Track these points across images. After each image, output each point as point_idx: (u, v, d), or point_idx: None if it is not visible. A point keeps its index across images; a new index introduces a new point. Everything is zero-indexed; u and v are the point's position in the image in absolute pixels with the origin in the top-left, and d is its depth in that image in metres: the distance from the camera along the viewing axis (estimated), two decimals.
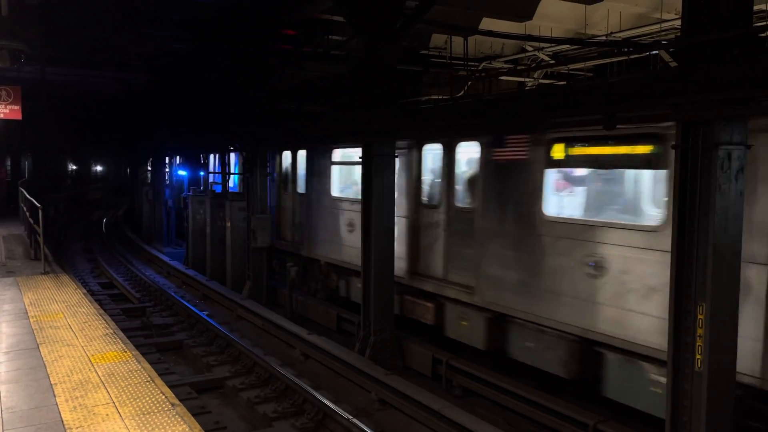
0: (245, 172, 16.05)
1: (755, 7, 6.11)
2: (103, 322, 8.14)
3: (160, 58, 17.32)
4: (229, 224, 16.49)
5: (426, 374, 10.06)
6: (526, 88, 15.27)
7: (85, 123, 35.66)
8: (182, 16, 13.15)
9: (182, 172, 26.34)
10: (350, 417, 7.83)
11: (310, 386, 8.90)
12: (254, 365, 10.24)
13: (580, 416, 7.60)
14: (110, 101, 28.02)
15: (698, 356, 5.62)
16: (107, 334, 7.55)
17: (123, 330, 8.44)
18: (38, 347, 6.95)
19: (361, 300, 10.63)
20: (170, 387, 6.06)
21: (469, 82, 14.96)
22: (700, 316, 5.62)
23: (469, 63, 14.32)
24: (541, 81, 15.36)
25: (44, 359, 6.53)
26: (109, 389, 5.67)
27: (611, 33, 11.96)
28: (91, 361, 6.49)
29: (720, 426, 5.71)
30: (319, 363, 10.45)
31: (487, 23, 12.60)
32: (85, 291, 10.34)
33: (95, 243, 25.71)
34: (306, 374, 9.74)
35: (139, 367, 6.30)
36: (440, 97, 13.83)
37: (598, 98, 6.68)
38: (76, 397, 5.48)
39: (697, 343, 5.62)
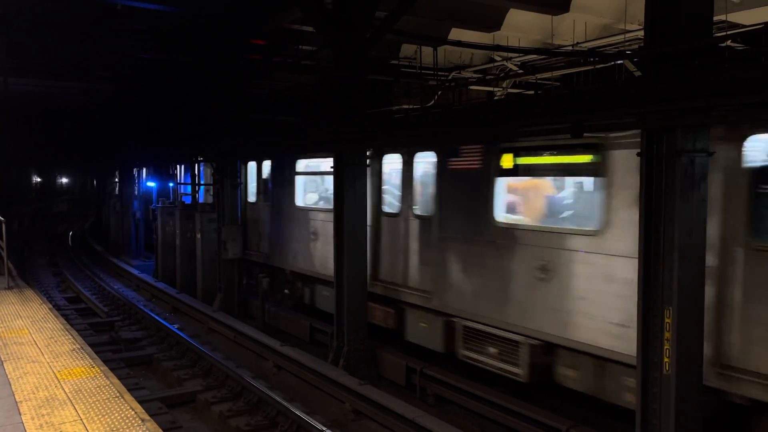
0: (215, 183, 15.91)
1: (714, 18, 6.30)
2: (70, 337, 7.96)
3: (126, 69, 17.08)
4: (199, 236, 16.29)
5: (400, 383, 10.05)
6: (495, 97, 15.44)
7: (50, 134, 34.91)
8: (148, 26, 12.99)
9: (151, 184, 25.96)
10: (324, 429, 7.78)
11: (284, 398, 8.82)
12: (226, 378, 10.11)
13: (554, 422, 7.67)
14: (76, 112, 27.48)
15: (666, 359, 5.73)
16: (74, 349, 7.38)
17: (90, 345, 8.26)
18: (2, 364, 6.76)
19: (334, 310, 10.59)
20: (140, 402, 5.95)
21: (440, 92, 15.07)
22: (667, 320, 5.73)
23: (439, 73, 14.43)
24: (510, 90, 15.55)
25: (9, 376, 6.36)
26: (76, 406, 5.54)
27: (577, 43, 12.18)
28: (57, 377, 6.33)
29: (689, 427, 5.82)
30: (292, 375, 10.37)
31: (456, 33, 12.74)
32: (50, 306, 10.11)
33: (61, 257, 25.17)
34: (279, 386, 9.66)
35: (108, 383, 6.17)
36: (411, 106, 13.91)
37: (566, 108, 6.80)
38: (43, 415, 5.34)
39: (665, 347, 5.73)
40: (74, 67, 16.30)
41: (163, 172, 25.28)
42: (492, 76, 14.57)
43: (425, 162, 10.22)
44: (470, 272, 9.03)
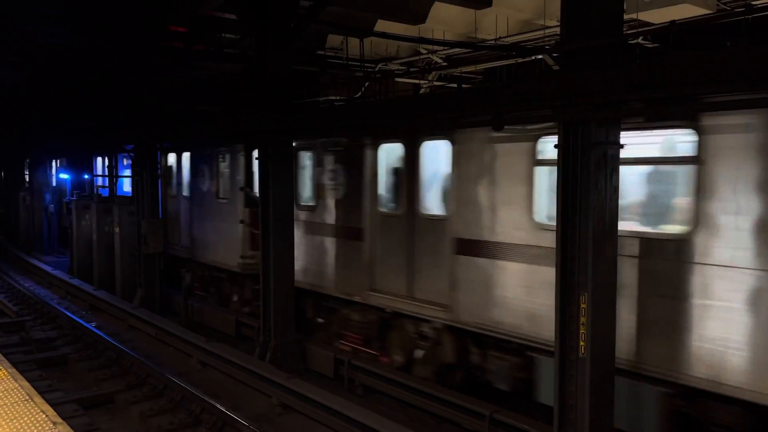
0: (134, 175, 15.31)
1: (626, 16, 6.59)
2: None
3: (36, 55, 16.10)
4: (117, 230, 15.65)
5: (328, 375, 10.04)
6: (421, 89, 15.59)
7: None
8: (57, 10, 12.23)
9: (64, 176, 24.67)
10: (250, 423, 7.67)
11: (208, 395, 8.63)
12: (147, 377, 9.80)
13: (477, 407, 7.85)
14: None
15: (582, 343, 5.98)
16: None
17: None
18: None
19: (261, 304, 10.44)
20: (53, 405, 5.67)
21: (366, 83, 15.06)
22: (582, 305, 5.97)
23: (366, 64, 14.42)
24: (435, 83, 15.74)
25: None
26: None
27: (500, 37, 12.45)
28: None
29: (602, 407, 6.11)
30: (217, 370, 10.16)
31: (383, 25, 12.75)
32: None
33: None
34: (204, 383, 9.44)
35: (16, 386, 5.83)
36: (338, 97, 13.82)
37: (488, 101, 6.95)
38: None
39: (581, 331, 5.98)
40: None
41: (78, 164, 24.06)
42: (417, 69, 14.68)
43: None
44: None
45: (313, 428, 8.03)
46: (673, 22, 6.07)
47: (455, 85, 14.96)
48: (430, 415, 8.42)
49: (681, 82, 5.21)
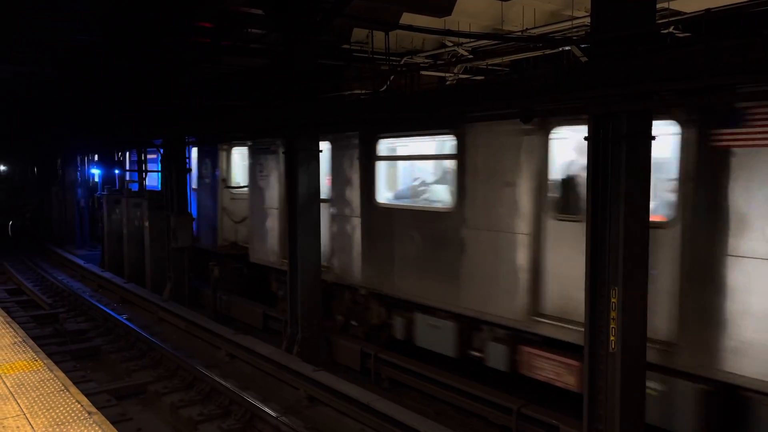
0: (163, 170, 15.51)
1: (657, 5, 6.45)
2: (11, 330, 7.65)
3: (65, 51, 16.37)
4: (147, 224, 15.89)
5: (355, 368, 10.08)
6: (447, 82, 15.50)
7: None
8: (86, 6, 12.40)
9: (95, 171, 25.11)
10: (278, 415, 7.74)
11: (237, 386, 8.74)
12: (177, 368, 9.95)
13: (505, 402, 7.83)
14: (9, 96, 26.18)
15: (612, 338, 5.90)
16: (15, 342, 7.10)
17: (34, 338, 7.96)
18: None
19: (288, 297, 10.52)
20: (87, 395, 5.78)
21: (392, 77, 15.02)
22: (613, 300, 5.89)
23: (391, 58, 14.38)
24: (461, 76, 15.63)
25: None
26: (19, 400, 5.34)
27: (526, 29, 12.31)
28: None
29: (633, 403, 6.03)
30: (245, 363, 10.28)
31: (408, 18, 12.69)
32: None
33: (1, 247, 24.17)
34: (232, 375, 9.56)
35: (52, 376, 5.97)
36: (363, 91, 13.83)
37: (515, 93, 6.88)
38: None
39: (611, 325, 5.90)
40: (4, 49, 15.51)
41: (108, 159, 24.46)
42: (443, 62, 14.59)
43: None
44: None
45: (340, 421, 8.09)
46: (708, 10, 5.92)
47: (482, 78, 14.88)
48: (458, 409, 8.41)
49: (716, 72, 5.09)
